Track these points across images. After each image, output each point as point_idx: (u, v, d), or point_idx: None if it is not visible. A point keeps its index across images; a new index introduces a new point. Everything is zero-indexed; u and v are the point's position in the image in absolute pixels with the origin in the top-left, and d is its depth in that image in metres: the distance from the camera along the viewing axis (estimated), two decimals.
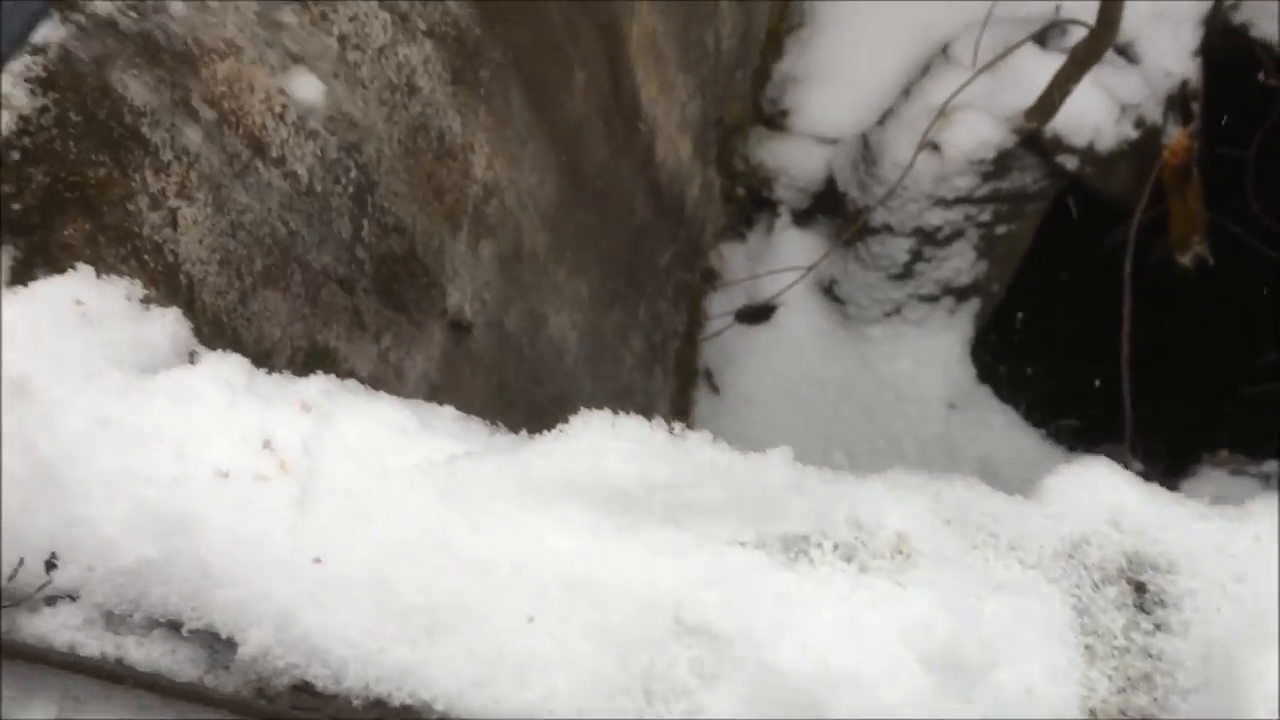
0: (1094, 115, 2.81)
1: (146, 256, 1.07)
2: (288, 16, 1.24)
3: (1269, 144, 2.90)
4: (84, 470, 0.76)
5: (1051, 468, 0.99)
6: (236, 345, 1.18)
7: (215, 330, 1.15)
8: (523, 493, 0.70)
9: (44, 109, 0.94)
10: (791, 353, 3.18)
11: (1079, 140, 2.81)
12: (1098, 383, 2.94)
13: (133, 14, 1.03)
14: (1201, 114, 2.92)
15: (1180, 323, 3.05)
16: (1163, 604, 0.74)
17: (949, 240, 2.92)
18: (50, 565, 0.75)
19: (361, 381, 1.47)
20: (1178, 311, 3.01)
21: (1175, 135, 2.89)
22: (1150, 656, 0.72)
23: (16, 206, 0.93)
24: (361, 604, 0.71)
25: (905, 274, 2.98)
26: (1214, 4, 2.98)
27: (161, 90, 1.07)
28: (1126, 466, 0.87)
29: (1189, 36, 2.95)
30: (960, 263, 2.97)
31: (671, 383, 3.06)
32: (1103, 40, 2.52)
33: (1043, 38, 2.92)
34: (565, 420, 0.78)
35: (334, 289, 1.39)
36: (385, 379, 1.54)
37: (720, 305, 3.28)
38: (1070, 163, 2.85)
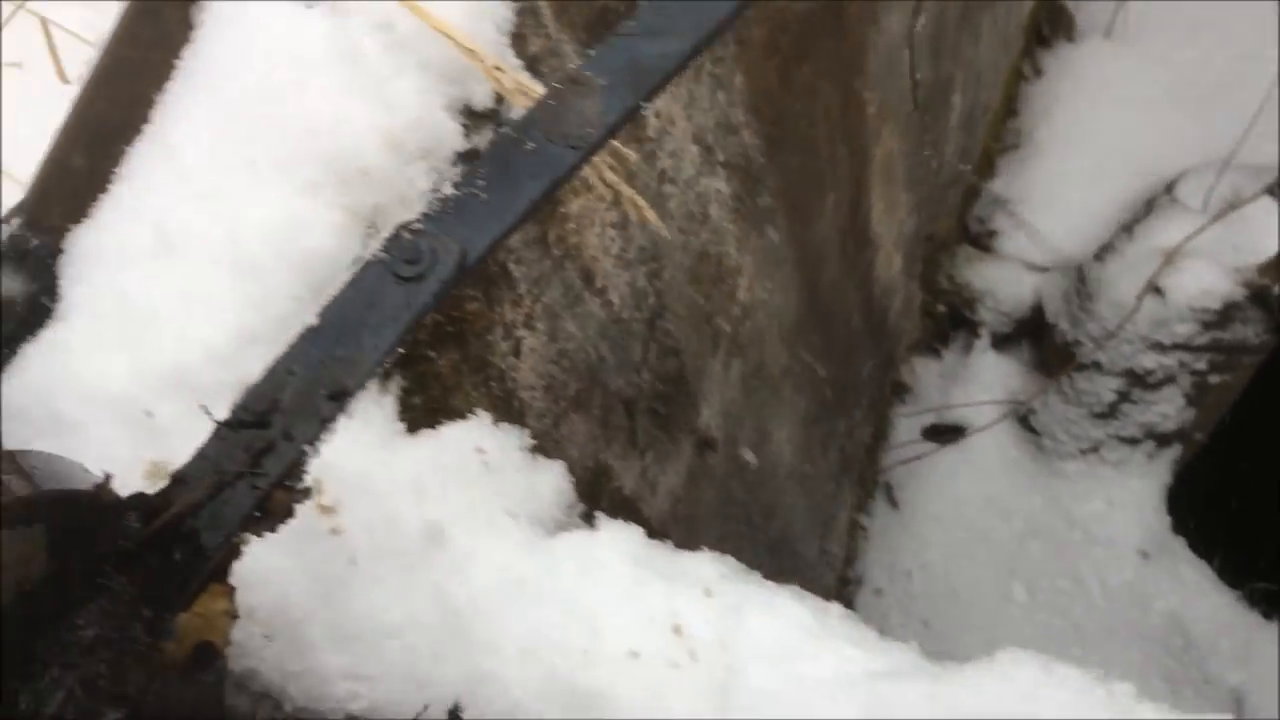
0: None
1: (493, 383, 1.12)
2: (631, 153, 1.28)
3: None
4: (494, 627, 0.79)
5: (1246, 634, 0.94)
6: None
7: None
8: None
9: None
10: (978, 478, 3.13)
11: None
12: None
13: None
14: None
15: None
16: None
17: (1159, 385, 2.85)
18: (454, 717, 0.78)
19: (625, 497, 1.50)
20: None
21: None
22: None
23: (418, 339, 0.98)
24: None
25: (1109, 413, 2.91)
26: None
27: (531, 229, 1.12)
28: None
29: None
30: (1167, 408, 2.89)
31: (853, 494, 3.03)
32: None
33: (1277, 190, 2.85)
34: (793, 554, 0.80)
35: (620, 410, 1.42)
36: (643, 494, 1.57)
37: (907, 419, 3.25)
38: None
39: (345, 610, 0.82)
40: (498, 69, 0.92)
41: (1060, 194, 3.24)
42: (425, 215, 0.76)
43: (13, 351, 0.92)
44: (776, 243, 1.87)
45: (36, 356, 0.92)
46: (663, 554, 0.84)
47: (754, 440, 2.02)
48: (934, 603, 2.97)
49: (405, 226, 0.76)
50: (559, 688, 0.76)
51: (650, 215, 0.97)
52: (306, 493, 0.71)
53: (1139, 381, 2.84)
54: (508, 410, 1.15)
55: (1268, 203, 2.80)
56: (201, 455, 0.71)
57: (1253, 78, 2.99)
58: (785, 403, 2.15)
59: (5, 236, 0.94)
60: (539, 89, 0.93)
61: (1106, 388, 2.88)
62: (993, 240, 3.24)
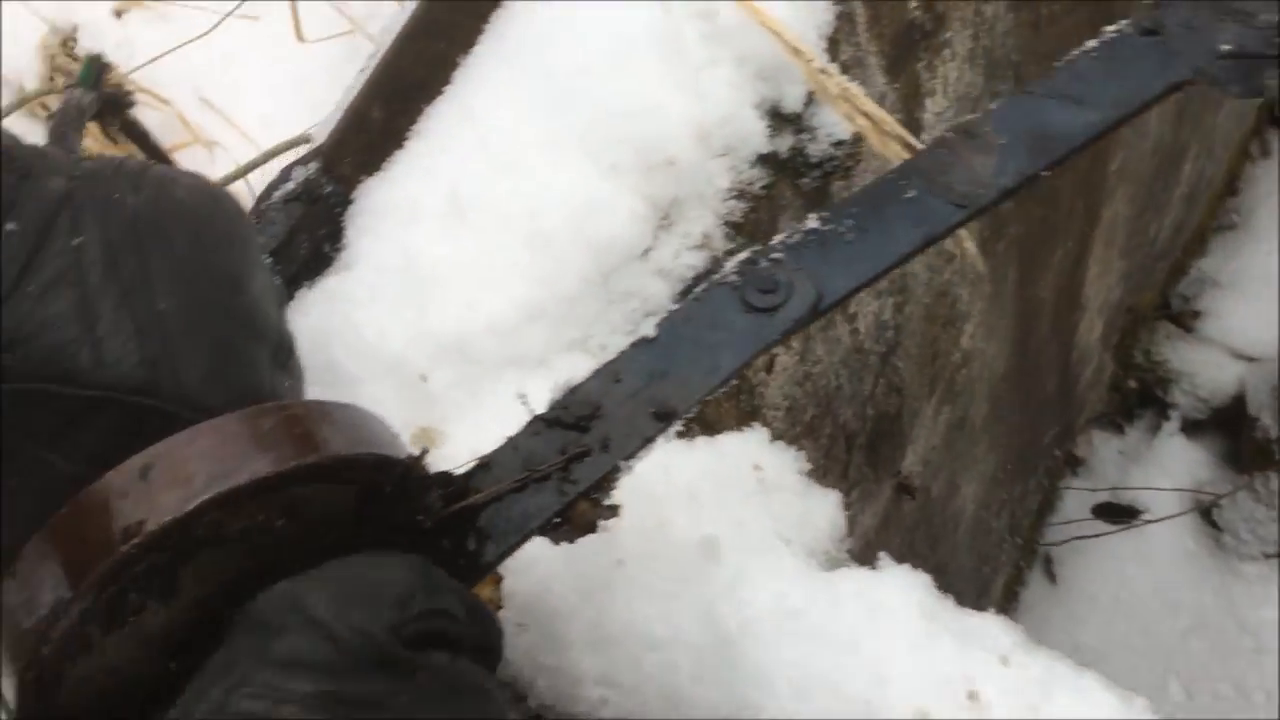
0: None
1: (743, 396, 1.07)
2: None
3: None
4: (764, 658, 0.74)
5: None
6: None
7: None
8: None
9: (731, 251, 0.95)
10: (1146, 565, 2.96)
11: None
12: None
13: None
14: None
15: None
16: None
17: None
18: None
19: None
20: None
21: None
22: None
23: None
24: None
25: None
26: None
27: None
28: None
29: None
30: None
31: (1012, 561, 2.91)
32: None
33: None
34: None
35: (841, 442, 1.36)
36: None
37: (1076, 493, 3.10)
38: None
39: (606, 612, 0.78)
40: (823, 72, 0.88)
41: (1275, 282, 3.06)
42: (784, 244, 0.71)
43: (290, 295, 0.91)
44: (1004, 293, 1.79)
45: (316, 304, 0.90)
46: (949, 609, 0.78)
47: (945, 493, 1.94)
48: None
49: (763, 252, 0.71)
50: None
51: (972, 250, 0.91)
52: (614, 510, 0.66)
53: None
54: (743, 422, 1.10)
55: None
56: (512, 445, 0.68)
57: None
58: (978, 459, 2.06)
59: (301, 179, 0.93)
60: (864, 98, 0.88)
61: None
62: (1196, 321, 3.08)
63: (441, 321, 0.86)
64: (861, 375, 1.34)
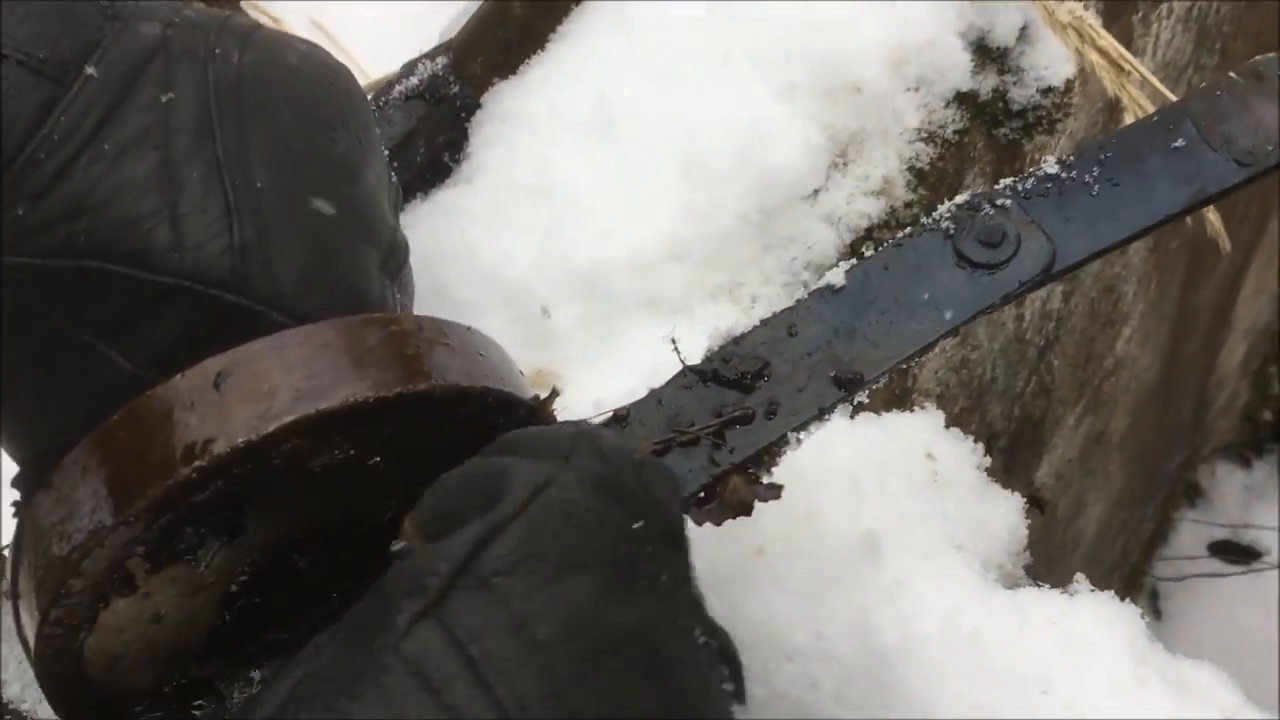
0: None
1: (895, 377, 0.93)
2: None
3: None
4: (929, 687, 0.61)
5: None
6: None
7: None
8: None
9: (910, 204, 0.81)
10: (1261, 612, 2.75)
11: None
12: None
13: None
14: None
15: None
16: None
17: None
18: None
19: None
20: None
21: None
22: None
23: None
24: None
25: None
26: None
27: None
28: None
29: None
30: None
31: (1117, 587, 2.73)
32: None
33: None
34: None
35: (983, 443, 1.21)
36: None
37: (1193, 525, 2.90)
38: None
39: (738, 609, 0.65)
40: None
41: None
42: (1014, 190, 0.58)
43: (402, 206, 0.80)
44: (1168, 297, 1.62)
45: (430, 218, 0.79)
46: (1160, 653, 0.64)
47: (1070, 511, 1.78)
48: None
49: (986, 196, 0.58)
50: None
51: (1217, 223, 0.76)
52: (776, 490, 0.54)
53: None
54: (901, 405, 0.96)
55: None
56: (656, 398, 0.56)
57: None
58: (1109, 477, 1.89)
59: (425, 75, 0.81)
60: (1100, 30, 0.73)
61: None
62: None
63: (572, 250, 0.74)
64: (1017, 369, 1.19)
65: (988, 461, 0.72)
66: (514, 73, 0.83)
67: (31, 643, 0.46)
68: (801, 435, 0.55)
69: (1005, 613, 0.63)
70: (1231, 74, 0.60)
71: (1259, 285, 2.30)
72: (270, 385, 0.42)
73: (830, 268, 0.79)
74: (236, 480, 0.43)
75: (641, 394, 0.71)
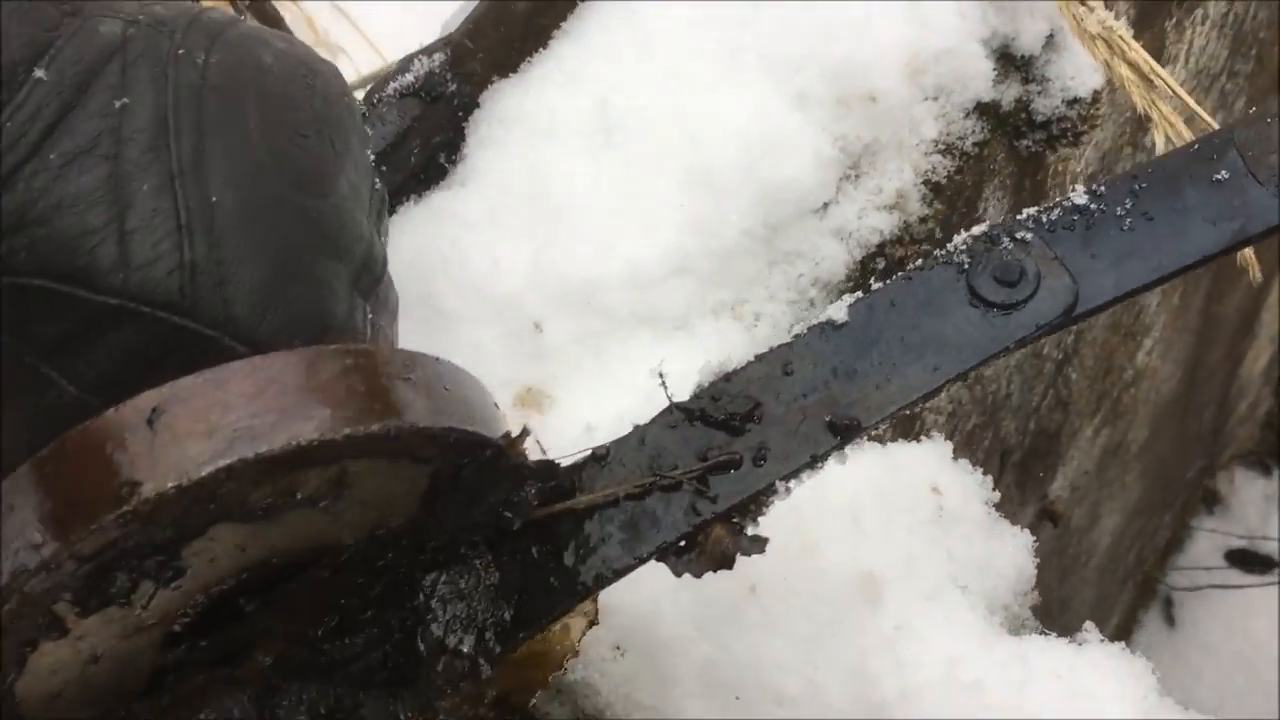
0: None
1: None
2: None
3: None
4: None
5: None
6: None
7: None
8: None
9: (925, 218, 0.77)
10: (1276, 623, 2.71)
11: None
12: None
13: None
14: None
15: None
16: None
17: None
18: None
19: None
20: None
21: None
22: None
23: None
24: None
25: None
26: None
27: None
28: None
29: None
30: None
31: (1130, 595, 2.68)
32: None
33: None
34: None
35: (997, 459, 1.18)
36: None
37: (1209, 534, 2.85)
38: None
39: (727, 649, 0.62)
40: (1082, 2, 0.69)
41: None
42: (1036, 220, 0.54)
43: (392, 209, 0.76)
44: (1191, 307, 1.58)
45: (421, 223, 0.75)
46: (1171, 710, 0.60)
47: (1085, 522, 1.74)
48: None
49: (1006, 227, 0.54)
50: None
51: (1250, 252, 0.72)
52: (760, 543, 0.50)
53: None
54: (907, 432, 0.93)
55: None
56: (639, 437, 0.52)
57: None
58: (1126, 487, 1.85)
59: (421, 71, 0.78)
60: (1131, 42, 0.69)
61: None
62: None
63: (568, 261, 0.71)
64: (1033, 384, 1.15)
65: (996, 496, 0.69)
66: (515, 71, 0.80)
67: None
68: (791, 484, 0.51)
69: (1009, 662, 0.60)
70: None
71: None
72: (207, 424, 0.39)
73: (840, 283, 0.76)
74: (169, 525, 0.40)
75: (637, 415, 0.68)
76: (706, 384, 0.52)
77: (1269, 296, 2.11)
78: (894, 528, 0.65)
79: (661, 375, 0.52)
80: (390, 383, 0.43)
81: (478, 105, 0.79)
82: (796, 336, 0.53)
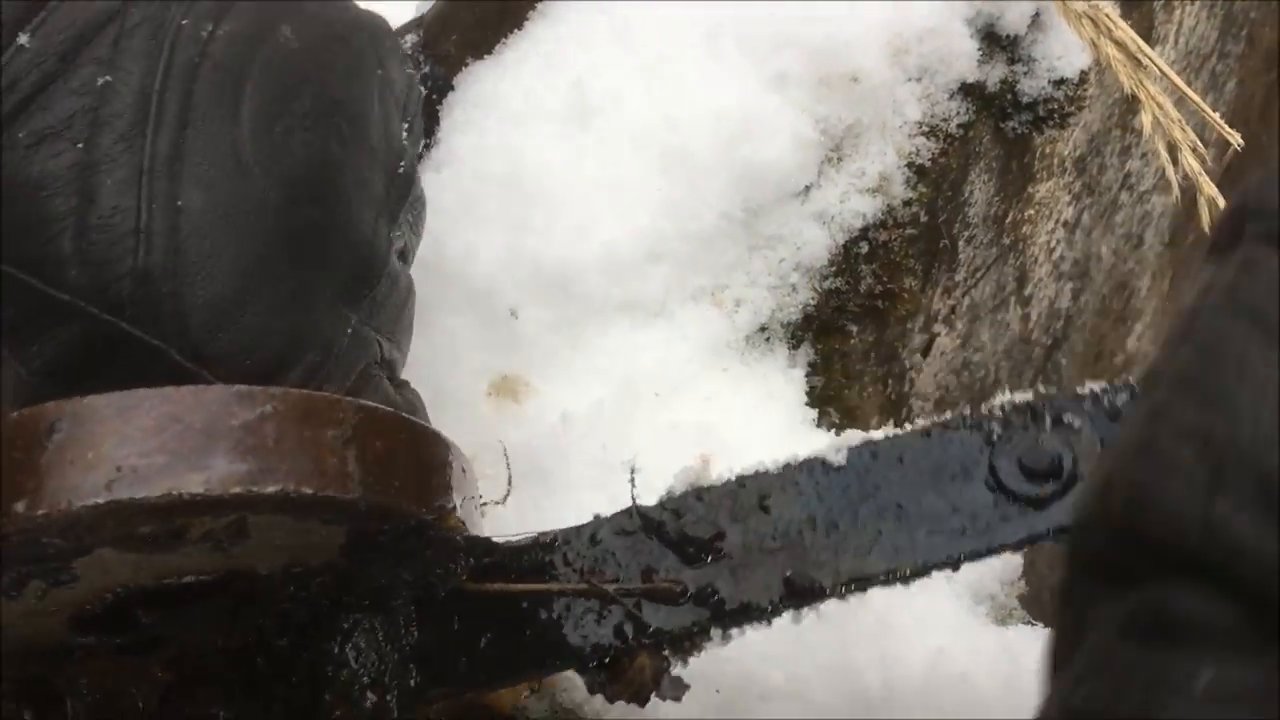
0: None
1: (892, 381, 0.88)
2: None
3: None
4: None
5: None
6: None
7: None
8: None
9: (909, 202, 0.76)
10: None
11: None
12: None
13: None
14: None
15: None
16: None
17: None
18: None
19: None
20: None
21: None
22: None
23: (844, 307, 0.75)
24: None
25: None
26: None
27: (994, 203, 0.87)
28: None
29: None
30: None
31: None
32: None
33: None
34: None
35: None
36: None
37: None
38: None
39: None
40: None
41: None
42: (1077, 397, 0.47)
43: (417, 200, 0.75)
44: (1181, 293, 1.56)
45: None
46: None
47: None
48: None
49: (1049, 400, 0.47)
50: None
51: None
52: (680, 689, 0.48)
53: None
54: (894, 418, 0.91)
55: None
56: (591, 532, 0.49)
57: None
58: None
59: None
60: (1118, 20, 0.68)
61: None
62: None
63: (544, 247, 0.69)
64: (1022, 370, 1.14)
65: None
66: (490, 52, 0.78)
67: None
68: (734, 634, 0.48)
69: (995, 655, 0.59)
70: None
71: None
72: (95, 454, 0.37)
73: (822, 268, 0.75)
74: (46, 543, 0.38)
75: (614, 403, 0.67)
76: (679, 492, 0.49)
77: None
78: None
79: (633, 472, 0.49)
80: (306, 437, 0.40)
81: (452, 87, 0.77)
82: (786, 467, 0.49)
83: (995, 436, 0.47)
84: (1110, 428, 0.46)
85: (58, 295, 0.43)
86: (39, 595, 0.40)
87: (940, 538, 0.46)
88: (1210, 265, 0.33)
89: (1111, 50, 0.66)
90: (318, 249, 0.48)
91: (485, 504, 0.54)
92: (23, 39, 0.43)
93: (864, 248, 0.74)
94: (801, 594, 0.46)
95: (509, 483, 0.57)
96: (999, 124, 0.80)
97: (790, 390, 0.70)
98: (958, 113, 0.76)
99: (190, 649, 0.45)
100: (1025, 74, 0.78)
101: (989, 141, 0.81)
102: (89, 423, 0.38)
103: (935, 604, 0.61)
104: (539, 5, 0.78)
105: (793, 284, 0.72)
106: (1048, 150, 0.90)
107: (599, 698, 0.62)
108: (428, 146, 0.77)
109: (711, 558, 0.47)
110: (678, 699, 0.47)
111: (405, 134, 0.58)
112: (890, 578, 0.46)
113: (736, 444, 0.65)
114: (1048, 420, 0.47)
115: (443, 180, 0.73)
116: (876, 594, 0.61)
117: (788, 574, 0.47)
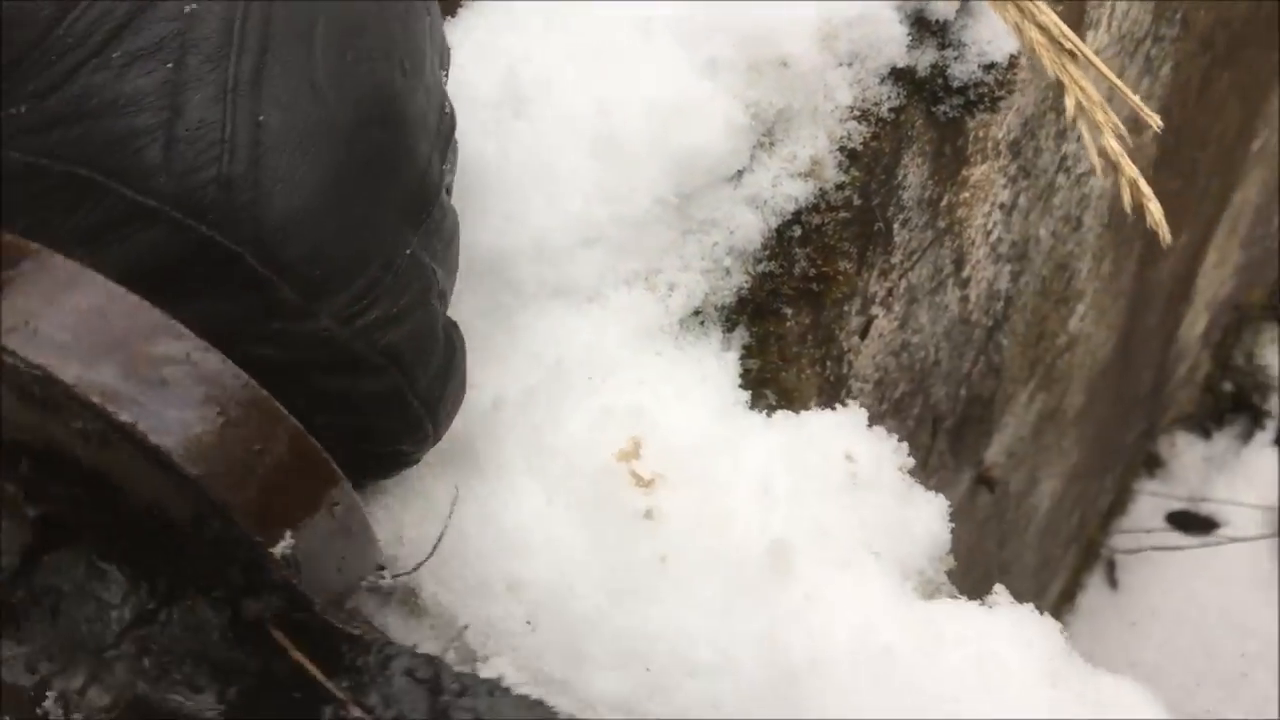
0: None
1: (830, 363, 0.90)
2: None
3: None
4: (838, 705, 0.58)
5: None
6: None
7: None
8: None
9: (842, 185, 0.77)
10: (1218, 583, 2.76)
11: None
12: None
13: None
14: None
15: None
16: None
17: None
18: None
19: None
20: None
21: None
22: None
23: (777, 290, 0.76)
24: None
25: None
26: None
27: (929, 186, 0.88)
28: None
29: None
30: None
31: (1074, 562, 2.72)
32: None
33: None
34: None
35: (928, 426, 1.18)
36: None
37: (1151, 497, 2.90)
38: None
39: (640, 621, 0.61)
40: None
41: None
42: None
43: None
44: (1125, 272, 1.59)
45: None
46: (1080, 669, 0.60)
47: (1023, 487, 1.76)
48: None
49: None
50: None
51: (1155, 209, 0.72)
52: None
53: None
54: (829, 399, 0.93)
55: None
56: (382, 663, 0.49)
57: None
58: (1063, 452, 1.87)
59: None
60: (1041, 6, 0.69)
61: None
62: None
63: (475, 235, 0.69)
64: (963, 350, 1.15)
65: (911, 462, 0.68)
66: None
67: None
68: None
69: (919, 628, 0.60)
70: None
71: (1222, 257, 2.28)
72: (24, 301, 0.39)
73: (756, 251, 0.76)
74: None
75: (546, 387, 0.67)
76: (494, 672, 0.52)
77: (1204, 261, 2.14)
78: (806, 496, 0.65)
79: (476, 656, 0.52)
80: (194, 397, 0.40)
81: None
82: None
83: None
84: None
85: (145, 201, 0.45)
86: None
87: None
88: None
89: (1035, 35, 0.68)
90: (383, 170, 0.52)
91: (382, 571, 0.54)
92: None
93: (797, 231, 0.75)
94: None
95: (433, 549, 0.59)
96: (930, 108, 0.81)
97: (724, 373, 0.71)
98: (889, 97, 0.77)
99: (60, 520, 0.45)
100: (955, 58, 0.79)
101: (921, 125, 0.82)
102: (33, 275, 0.39)
103: (862, 581, 0.62)
104: None
105: (726, 268, 0.73)
106: (981, 134, 0.91)
107: (532, 674, 0.63)
108: None
109: None
110: None
111: (446, 80, 0.61)
112: None
113: (668, 426, 0.66)
114: None
115: None
116: (806, 570, 0.63)
117: None
